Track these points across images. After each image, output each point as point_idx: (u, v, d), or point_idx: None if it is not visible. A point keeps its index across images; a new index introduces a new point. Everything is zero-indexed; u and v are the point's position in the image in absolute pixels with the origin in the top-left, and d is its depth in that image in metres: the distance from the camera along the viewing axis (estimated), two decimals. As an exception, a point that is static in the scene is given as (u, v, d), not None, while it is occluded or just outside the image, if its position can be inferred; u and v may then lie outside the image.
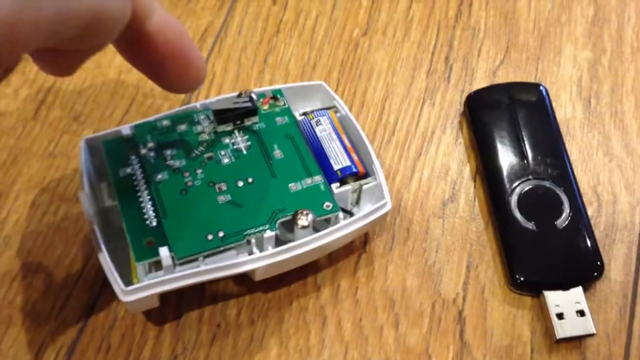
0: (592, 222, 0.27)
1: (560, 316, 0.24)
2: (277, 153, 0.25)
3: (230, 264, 0.22)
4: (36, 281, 0.25)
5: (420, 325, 0.25)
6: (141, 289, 0.21)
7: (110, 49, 0.19)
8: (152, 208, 0.23)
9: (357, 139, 0.26)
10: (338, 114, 0.27)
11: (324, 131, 0.26)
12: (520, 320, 0.25)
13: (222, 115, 0.25)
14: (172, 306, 0.25)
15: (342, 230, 0.23)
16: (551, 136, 0.28)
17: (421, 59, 0.32)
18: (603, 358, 0.24)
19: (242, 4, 0.33)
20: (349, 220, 0.24)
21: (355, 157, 0.25)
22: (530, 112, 0.29)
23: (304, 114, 0.27)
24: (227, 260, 0.22)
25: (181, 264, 0.22)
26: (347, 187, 0.25)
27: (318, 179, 0.24)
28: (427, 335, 0.25)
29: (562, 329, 0.24)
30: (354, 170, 0.25)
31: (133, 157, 0.24)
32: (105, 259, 0.22)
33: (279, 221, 0.23)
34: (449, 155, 0.29)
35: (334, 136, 0.26)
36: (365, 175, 0.25)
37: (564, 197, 0.27)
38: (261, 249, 0.23)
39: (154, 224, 0.23)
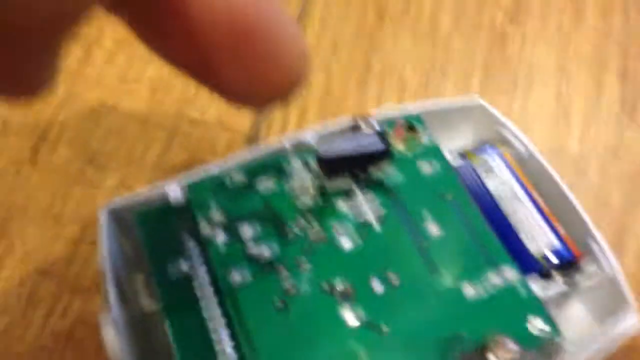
0: None
1: None
2: (432, 227, 0.15)
3: None
4: None
5: None
6: None
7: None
8: (228, 335, 0.15)
9: (555, 196, 0.16)
10: (512, 152, 0.17)
11: (502, 185, 0.16)
12: None
13: (333, 163, 0.16)
14: None
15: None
16: None
17: (607, 53, 0.23)
18: None
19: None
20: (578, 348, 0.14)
21: (561, 231, 0.16)
22: None
23: (462, 155, 0.17)
24: None
25: None
26: (558, 286, 0.15)
27: (511, 274, 0.15)
28: None
29: None
30: (566, 254, 0.15)
31: (188, 240, 0.16)
32: None
33: None
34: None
35: (520, 193, 0.16)
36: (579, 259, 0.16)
37: None
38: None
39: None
